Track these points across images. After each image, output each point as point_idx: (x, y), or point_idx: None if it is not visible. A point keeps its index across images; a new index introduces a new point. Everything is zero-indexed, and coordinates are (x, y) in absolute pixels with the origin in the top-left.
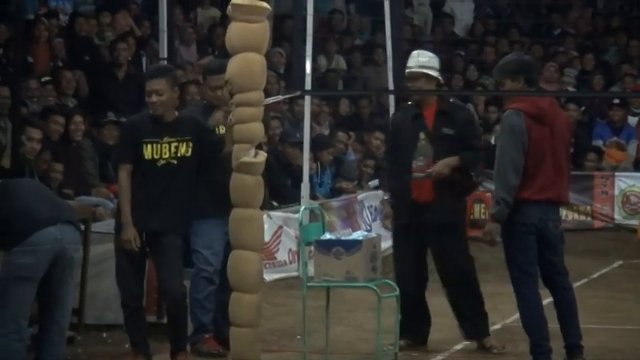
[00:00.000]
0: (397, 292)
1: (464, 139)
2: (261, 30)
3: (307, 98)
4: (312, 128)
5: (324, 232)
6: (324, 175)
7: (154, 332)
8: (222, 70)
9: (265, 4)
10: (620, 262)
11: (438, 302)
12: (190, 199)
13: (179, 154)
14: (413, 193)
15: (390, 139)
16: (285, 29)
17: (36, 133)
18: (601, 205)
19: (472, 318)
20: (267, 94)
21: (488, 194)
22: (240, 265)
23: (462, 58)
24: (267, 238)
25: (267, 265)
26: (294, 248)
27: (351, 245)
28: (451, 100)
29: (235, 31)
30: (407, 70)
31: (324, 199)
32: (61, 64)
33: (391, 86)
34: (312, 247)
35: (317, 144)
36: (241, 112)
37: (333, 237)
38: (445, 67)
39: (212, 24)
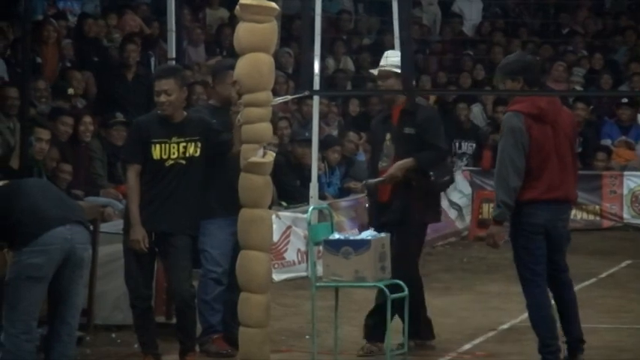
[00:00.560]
0: (406, 292)
1: (424, 138)
2: (270, 30)
3: (316, 98)
4: (320, 129)
5: (332, 232)
6: (332, 175)
7: (163, 332)
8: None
9: (273, 5)
10: (629, 262)
11: (443, 302)
12: (199, 200)
13: (187, 154)
14: (378, 194)
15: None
16: (293, 29)
17: (44, 134)
18: (610, 205)
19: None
20: (276, 95)
21: None
22: (249, 265)
23: (471, 58)
24: (275, 238)
25: (276, 265)
26: (303, 248)
27: (360, 245)
28: (416, 100)
29: (243, 32)
30: (377, 69)
31: (332, 199)
32: (69, 65)
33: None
34: (321, 247)
35: (325, 144)
36: (249, 113)
37: (342, 237)
38: (454, 67)
39: (220, 24)
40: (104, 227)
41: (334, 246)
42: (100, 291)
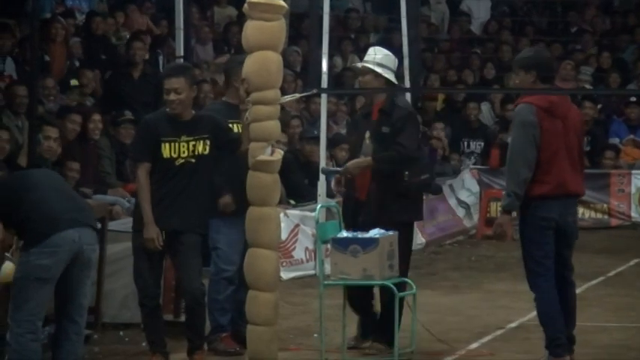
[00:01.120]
0: (414, 290)
1: (395, 137)
2: (278, 28)
3: (323, 96)
4: (329, 127)
5: (340, 230)
6: None
7: (171, 331)
8: None
9: (282, 3)
10: (637, 260)
11: (451, 301)
12: (208, 198)
13: (197, 153)
14: (355, 191)
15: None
16: (302, 28)
17: (53, 132)
18: (618, 203)
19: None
20: (285, 93)
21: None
22: (257, 264)
23: (478, 57)
24: (284, 236)
25: (284, 264)
26: (311, 246)
27: (368, 243)
28: (393, 99)
29: (252, 30)
30: (359, 64)
31: (340, 197)
32: (77, 63)
33: (407, 84)
34: (329, 246)
35: (333, 142)
36: (258, 111)
37: (350, 235)
38: (462, 65)
39: (228, 22)
40: (112, 225)
41: (342, 244)
42: (108, 289)
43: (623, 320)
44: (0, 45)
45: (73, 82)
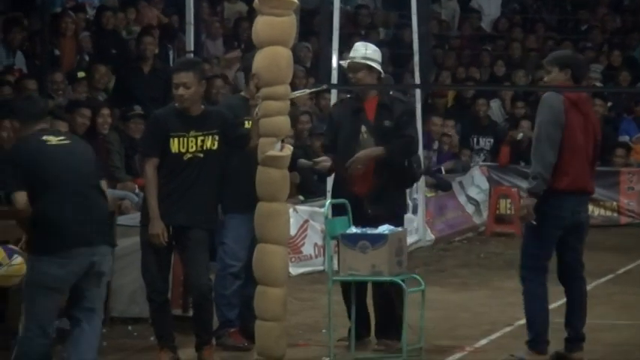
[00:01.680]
0: (423, 287)
1: (399, 130)
2: (288, 24)
3: (333, 92)
4: None
5: (349, 226)
6: None
7: (180, 326)
8: None
9: None
10: None
11: (460, 297)
12: (217, 193)
13: (205, 148)
14: (354, 186)
15: (328, 132)
16: (313, 24)
17: (62, 126)
18: (627, 201)
19: (381, 317)
20: (295, 89)
21: (515, 189)
22: (266, 259)
23: (489, 54)
24: (293, 232)
25: (293, 260)
26: (320, 242)
27: (377, 239)
28: (391, 93)
29: (262, 25)
30: (348, 61)
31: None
32: (87, 57)
33: (417, 81)
34: (338, 241)
35: None
36: (267, 106)
37: (359, 231)
38: (472, 63)
39: (238, 17)
40: (121, 220)
41: (351, 240)
42: (116, 284)
43: (633, 318)
44: (10, 39)
45: (80, 74)
